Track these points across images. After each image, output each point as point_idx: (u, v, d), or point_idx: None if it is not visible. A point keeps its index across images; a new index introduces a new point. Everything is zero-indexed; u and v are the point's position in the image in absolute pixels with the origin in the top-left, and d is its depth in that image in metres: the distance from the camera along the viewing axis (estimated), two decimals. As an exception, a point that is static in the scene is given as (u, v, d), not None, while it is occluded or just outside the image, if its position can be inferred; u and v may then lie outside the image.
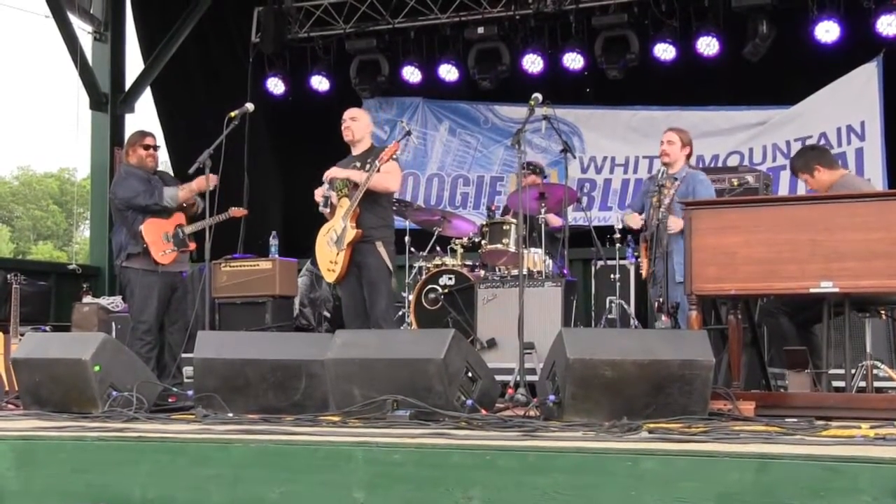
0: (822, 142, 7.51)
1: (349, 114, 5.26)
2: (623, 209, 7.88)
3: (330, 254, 4.95)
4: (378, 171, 4.85)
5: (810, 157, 4.73)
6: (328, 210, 5.06)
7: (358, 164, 5.01)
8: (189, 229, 5.50)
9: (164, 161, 8.75)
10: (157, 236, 5.39)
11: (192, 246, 5.55)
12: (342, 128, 5.18)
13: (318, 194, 5.07)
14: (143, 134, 5.60)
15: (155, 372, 5.13)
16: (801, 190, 7.51)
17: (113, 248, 5.67)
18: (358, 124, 5.15)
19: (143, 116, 9.36)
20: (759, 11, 7.46)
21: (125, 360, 4.15)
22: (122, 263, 5.43)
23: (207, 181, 5.02)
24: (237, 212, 5.85)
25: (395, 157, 4.93)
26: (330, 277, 5.00)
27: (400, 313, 6.37)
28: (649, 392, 3.34)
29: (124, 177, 5.55)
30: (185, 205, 5.52)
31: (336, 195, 5.01)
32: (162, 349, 5.37)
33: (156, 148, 5.58)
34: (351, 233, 4.85)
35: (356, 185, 4.90)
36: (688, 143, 5.41)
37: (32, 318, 6.95)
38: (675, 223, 4.96)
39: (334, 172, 5.05)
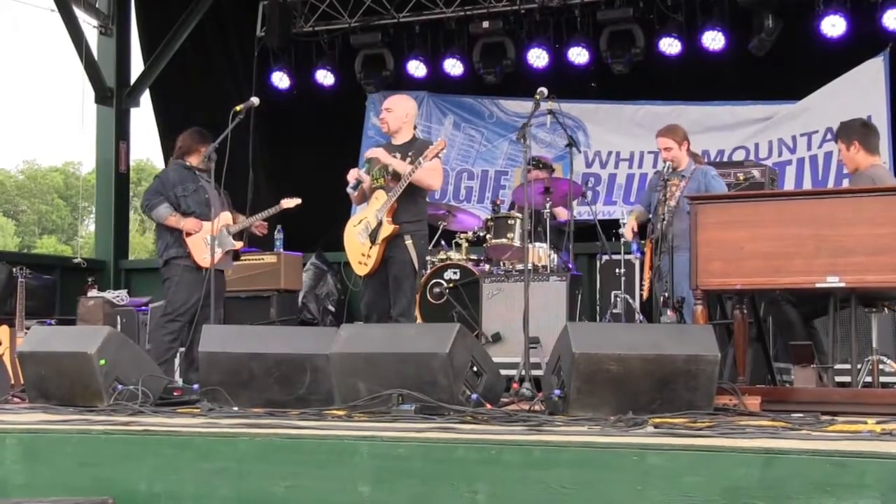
0: (828, 137, 7.48)
1: (385, 103, 5.11)
2: (628, 204, 7.87)
3: (362, 247, 4.84)
4: (430, 159, 4.71)
5: (857, 131, 4.60)
6: (355, 193, 4.97)
7: (398, 155, 4.86)
8: (236, 228, 5.50)
9: (159, 158, 8.72)
10: (200, 240, 5.37)
11: (239, 245, 5.53)
12: (379, 119, 5.10)
13: (353, 175, 4.94)
14: (207, 135, 5.54)
15: (172, 361, 5.22)
16: (808, 185, 7.51)
17: (157, 245, 5.68)
18: (393, 115, 4.97)
19: (149, 111, 9.35)
20: (764, 6, 7.42)
21: (130, 353, 4.16)
22: (169, 259, 5.43)
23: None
24: (289, 202, 5.69)
25: (442, 153, 4.79)
26: (361, 270, 4.89)
27: (414, 309, 6.35)
28: (655, 387, 3.33)
29: (159, 176, 5.66)
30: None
31: (371, 182, 4.91)
32: (192, 344, 5.37)
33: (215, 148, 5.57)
34: (387, 228, 4.75)
35: (395, 178, 4.79)
36: (682, 139, 5.31)
37: (38, 312, 6.96)
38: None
39: (380, 154, 4.89)
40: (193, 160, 5.50)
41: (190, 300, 5.31)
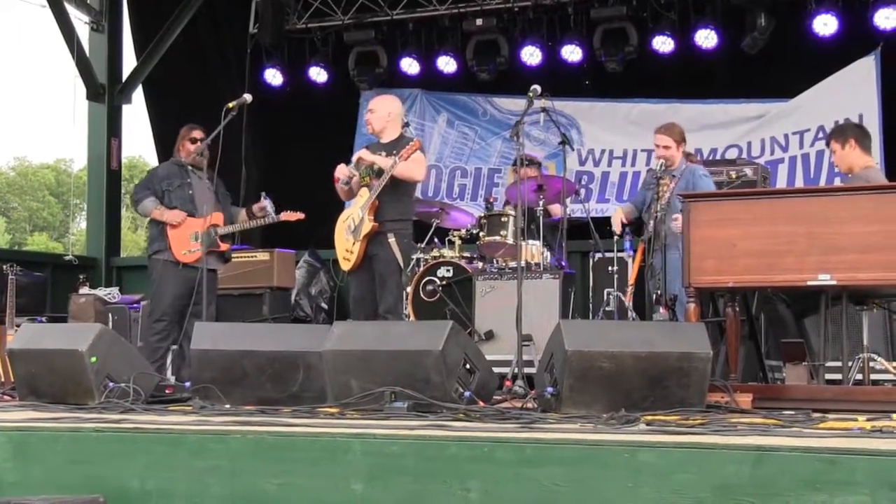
0: (821, 135, 7.51)
1: (369, 104, 5.21)
2: (620, 202, 7.88)
3: (346, 243, 4.94)
4: (405, 159, 4.79)
5: (852, 131, 4.70)
6: (346, 188, 5.02)
7: (384, 154, 4.94)
8: (225, 230, 5.40)
9: (151, 155, 8.66)
10: (183, 235, 5.35)
11: (224, 247, 5.43)
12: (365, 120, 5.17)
13: (345, 172, 4.99)
14: (190, 127, 5.54)
15: (163, 360, 5.22)
16: (800, 183, 7.54)
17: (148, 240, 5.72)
18: (375, 115, 5.06)
19: (142, 108, 9.33)
20: (757, 4, 7.45)
21: (122, 351, 4.15)
22: (151, 255, 5.46)
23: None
24: (290, 216, 5.55)
25: (418, 151, 4.86)
26: (345, 266, 4.99)
27: (401, 306, 6.35)
28: (647, 384, 3.34)
29: (150, 170, 5.67)
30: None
31: (359, 181, 4.97)
32: (184, 341, 5.36)
33: (203, 140, 5.43)
34: (367, 225, 4.82)
35: (378, 175, 4.85)
36: (681, 139, 5.34)
37: (29, 309, 6.94)
38: (677, 224, 4.93)
39: (363, 154, 4.99)
40: (182, 155, 5.49)
41: (171, 297, 5.30)
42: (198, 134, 5.47)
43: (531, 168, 6.50)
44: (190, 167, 5.47)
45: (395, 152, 4.86)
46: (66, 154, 31.62)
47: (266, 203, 5.46)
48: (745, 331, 4.27)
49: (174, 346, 5.43)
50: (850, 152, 4.57)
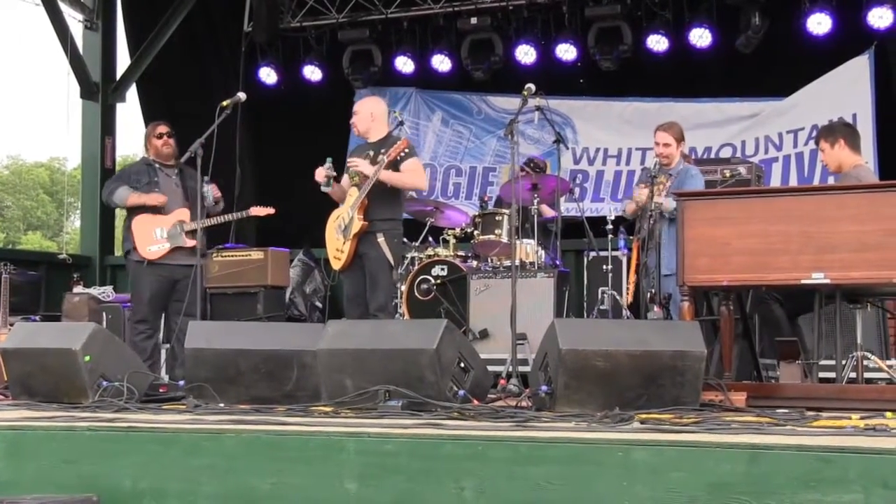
0: (815, 134, 7.53)
1: (354, 107, 5.27)
2: (615, 200, 7.90)
3: (337, 242, 4.98)
4: (394, 167, 4.83)
5: (841, 130, 4.73)
6: (331, 189, 5.06)
7: (371, 153, 4.97)
8: (192, 226, 5.32)
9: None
10: (148, 232, 5.34)
11: (191, 243, 5.31)
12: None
13: (321, 174, 5.02)
14: (155, 124, 5.58)
15: (153, 359, 5.19)
16: (794, 182, 7.56)
17: None
18: (358, 117, 5.12)
19: (135, 106, 9.30)
20: (751, 3, 7.46)
21: (116, 349, 4.14)
22: (125, 255, 5.47)
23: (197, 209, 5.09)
24: (259, 211, 5.57)
25: (406, 151, 4.88)
26: (336, 265, 5.03)
27: (392, 304, 6.36)
28: (641, 383, 3.34)
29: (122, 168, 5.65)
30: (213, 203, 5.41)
31: (349, 181, 5.01)
32: (177, 340, 5.34)
33: (170, 135, 5.48)
34: (357, 224, 4.86)
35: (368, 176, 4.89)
36: (681, 138, 5.38)
37: (23, 308, 6.93)
38: (667, 202, 4.97)
39: (349, 161, 5.04)
40: (151, 153, 5.52)
41: (147, 296, 5.31)
42: (162, 129, 5.52)
43: (533, 170, 6.51)
44: (158, 165, 5.48)
45: (382, 151, 4.89)
46: (61, 153, 31.51)
47: (205, 188, 5.25)
48: (740, 329, 4.27)
49: (166, 345, 5.43)
50: (840, 151, 4.59)
